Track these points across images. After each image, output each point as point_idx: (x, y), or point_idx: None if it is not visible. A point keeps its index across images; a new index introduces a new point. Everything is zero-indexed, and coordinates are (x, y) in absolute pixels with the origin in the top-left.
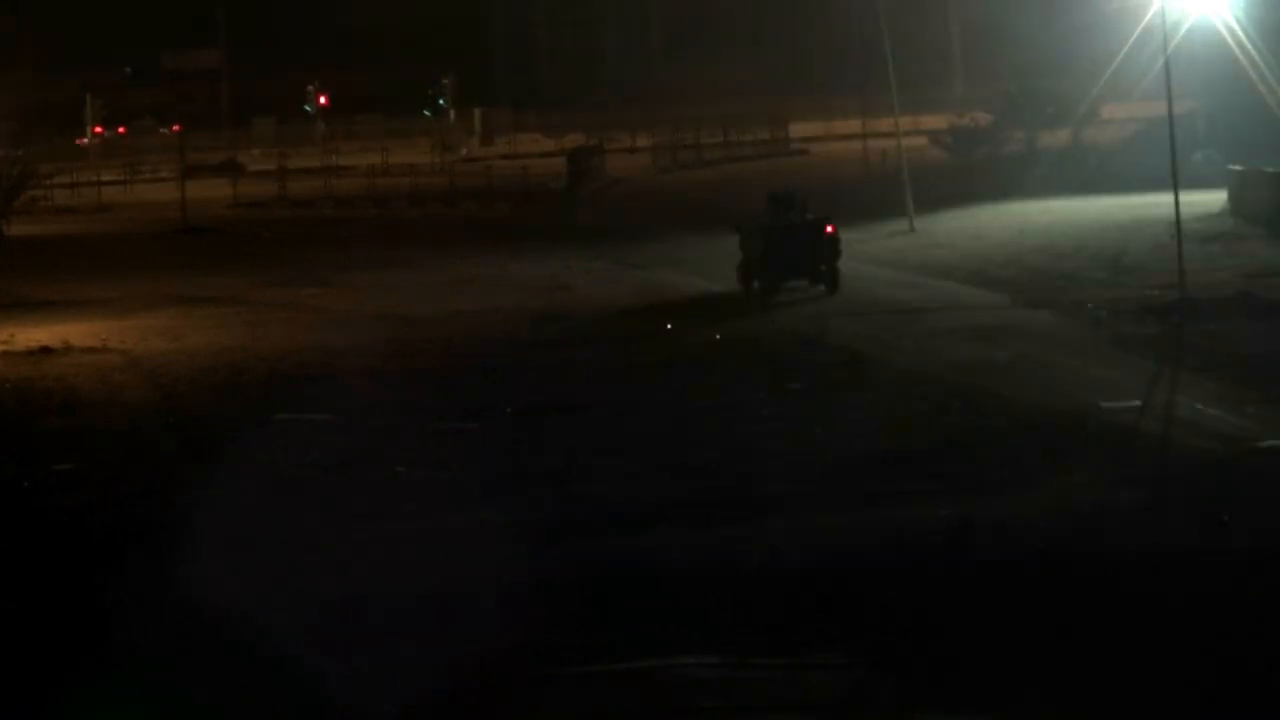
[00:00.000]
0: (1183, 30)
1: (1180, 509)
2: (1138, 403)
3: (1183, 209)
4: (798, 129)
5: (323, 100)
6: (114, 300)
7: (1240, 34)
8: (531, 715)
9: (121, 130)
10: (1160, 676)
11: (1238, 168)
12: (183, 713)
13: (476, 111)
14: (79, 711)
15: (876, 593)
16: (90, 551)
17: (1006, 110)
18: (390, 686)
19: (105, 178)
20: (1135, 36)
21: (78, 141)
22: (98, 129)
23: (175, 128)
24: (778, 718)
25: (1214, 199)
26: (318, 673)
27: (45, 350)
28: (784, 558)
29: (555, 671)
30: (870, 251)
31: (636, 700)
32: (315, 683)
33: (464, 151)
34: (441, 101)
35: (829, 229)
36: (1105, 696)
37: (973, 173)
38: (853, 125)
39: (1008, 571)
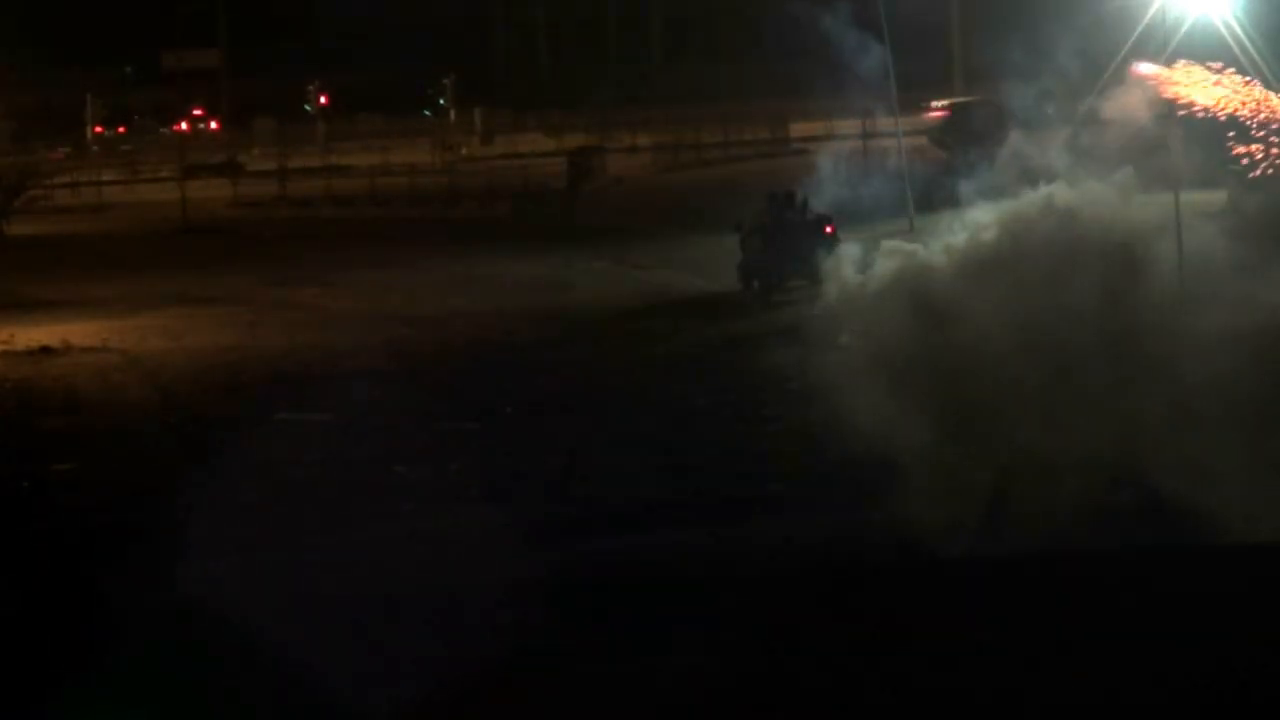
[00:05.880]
0: (1183, 30)
1: (1177, 509)
2: None
3: (1182, 208)
4: (798, 129)
5: (323, 100)
6: (114, 300)
7: (1240, 34)
8: (531, 715)
9: (121, 130)
10: (1156, 677)
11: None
12: (182, 712)
13: (476, 111)
14: (79, 711)
15: (876, 592)
16: (90, 551)
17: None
18: (389, 686)
19: (105, 178)
20: (1135, 36)
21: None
22: (98, 129)
23: (176, 127)
24: (774, 716)
25: (1213, 199)
26: (316, 671)
27: (45, 350)
28: (784, 557)
29: (555, 671)
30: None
31: (636, 700)
32: (314, 682)
33: (463, 151)
34: (441, 101)
35: (829, 228)
36: (1103, 695)
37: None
38: (852, 125)
39: (1007, 571)
